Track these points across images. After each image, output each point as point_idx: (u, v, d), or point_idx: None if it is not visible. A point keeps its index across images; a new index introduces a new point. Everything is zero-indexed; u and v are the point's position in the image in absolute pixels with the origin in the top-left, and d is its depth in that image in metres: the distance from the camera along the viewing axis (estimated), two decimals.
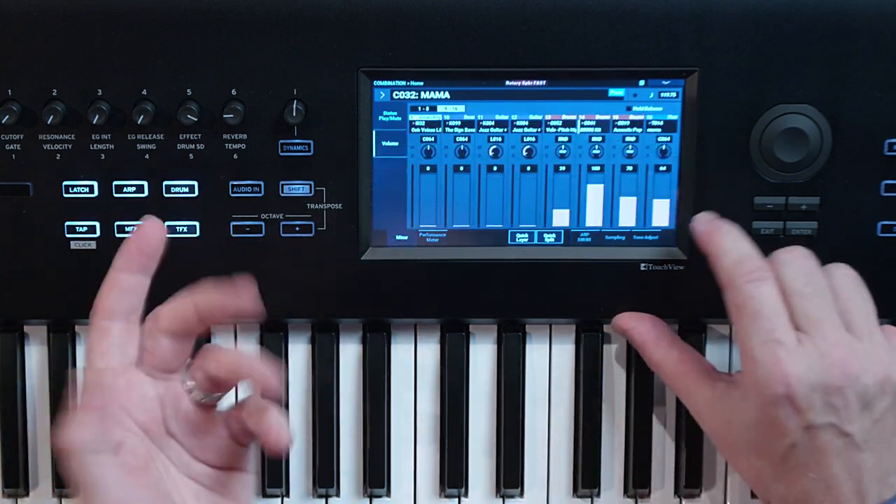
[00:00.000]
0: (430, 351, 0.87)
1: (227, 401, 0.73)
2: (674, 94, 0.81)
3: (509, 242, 0.84)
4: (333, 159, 0.81)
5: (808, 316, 0.74)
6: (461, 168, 0.82)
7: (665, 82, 0.81)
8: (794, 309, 0.74)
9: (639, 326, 0.83)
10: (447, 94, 0.81)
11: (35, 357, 0.86)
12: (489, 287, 0.83)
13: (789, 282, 0.75)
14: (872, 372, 0.73)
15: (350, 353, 0.87)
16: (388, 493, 0.88)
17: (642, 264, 0.83)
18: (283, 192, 0.81)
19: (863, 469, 0.73)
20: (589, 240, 0.84)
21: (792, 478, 0.74)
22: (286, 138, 0.80)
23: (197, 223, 0.81)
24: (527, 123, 0.82)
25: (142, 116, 0.78)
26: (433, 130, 0.82)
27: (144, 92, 0.79)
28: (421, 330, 0.87)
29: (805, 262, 0.76)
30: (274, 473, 0.86)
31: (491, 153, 0.82)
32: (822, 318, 0.74)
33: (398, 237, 0.83)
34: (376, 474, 0.87)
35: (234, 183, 0.81)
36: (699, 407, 0.79)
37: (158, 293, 0.82)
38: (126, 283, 0.71)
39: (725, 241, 0.77)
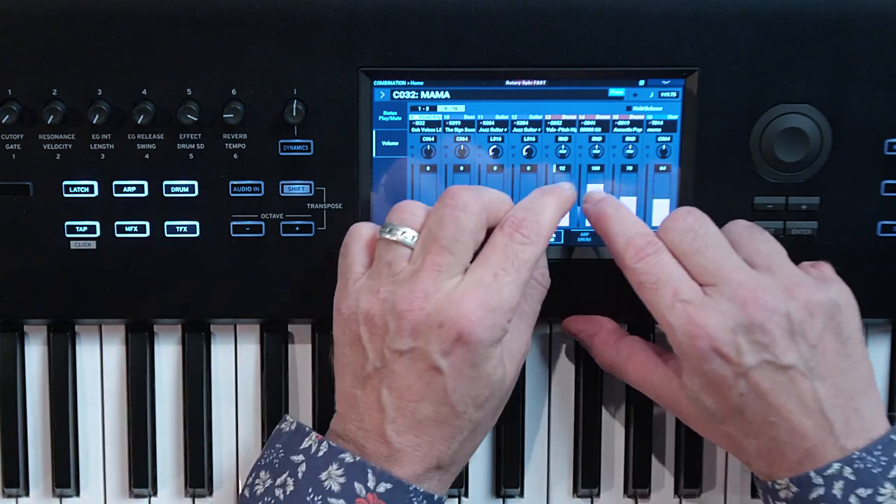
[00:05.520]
0: None
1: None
2: (674, 94, 0.81)
3: None
4: (333, 159, 0.81)
5: (706, 268, 0.74)
6: (461, 168, 0.82)
7: (665, 82, 0.81)
8: (691, 268, 0.74)
9: (587, 328, 0.83)
10: (447, 94, 0.81)
11: (35, 357, 0.86)
12: None
13: (678, 244, 0.75)
14: (791, 298, 0.73)
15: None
16: None
17: None
18: (283, 192, 0.81)
19: (819, 398, 0.72)
20: (589, 240, 0.84)
21: (756, 430, 0.73)
22: (286, 138, 0.80)
23: (197, 223, 0.81)
24: (527, 123, 0.82)
25: (142, 116, 0.78)
26: (433, 130, 0.82)
27: (144, 92, 0.79)
28: None
29: (688, 219, 0.76)
30: None
31: (491, 153, 0.82)
32: (721, 264, 0.74)
33: None
34: None
35: (234, 183, 0.81)
36: (659, 392, 0.79)
37: (158, 293, 0.82)
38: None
39: (611, 225, 0.77)
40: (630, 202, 0.83)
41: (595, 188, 0.82)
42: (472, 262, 0.73)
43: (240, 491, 0.80)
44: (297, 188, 0.81)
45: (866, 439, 0.73)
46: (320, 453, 0.72)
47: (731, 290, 0.72)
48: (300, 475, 0.71)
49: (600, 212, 0.77)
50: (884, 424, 0.74)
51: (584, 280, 0.83)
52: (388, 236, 0.74)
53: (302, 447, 0.73)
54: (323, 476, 0.71)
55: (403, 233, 0.74)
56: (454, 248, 0.72)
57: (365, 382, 0.73)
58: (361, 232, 0.77)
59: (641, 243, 0.75)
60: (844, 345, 0.74)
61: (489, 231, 0.75)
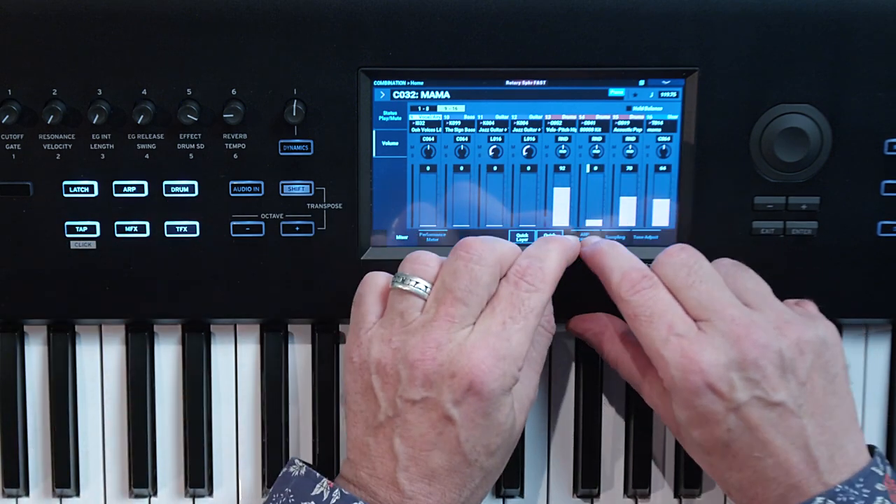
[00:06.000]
0: None
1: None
2: (674, 94, 0.81)
3: None
4: (333, 159, 0.81)
5: (701, 303, 0.74)
6: (461, 168, 0.82)
7: (665, 82, 0.81)
8: (685, 303, 0.75)
9: (593, 326, 0.83)
10: (447, 94, 0.81)
11: (35, 357, 0.86)
12: None
13: (672, 279, 0.76)
14: (782, 335, 0.73)
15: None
16: None
17: None
18: (283, 191, 0.81)
19: (806, 434, 0.73)
20: None
21: (740, 463, 0.74)
22: (286, 138, 0.80)
23: (197, 223, 0.81)
24: (527, 123, 0.82)
25: (142, 116, 0.78)
26: (433, 130, 0.82)
27: (144, 92, 0.79)
28: None
29: (682, 255, 0.76)
30: (274, 473, 0.86)
31: (491, 153, 0.82)
32: (715, 300, 0.74)
33: (398, 237, 0.83)
34: None
35: (234, 183, 0.81)
36: (653, 402, 0.79)
37: (158, 293, 0.83)
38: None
39: (607, 260, 0.78)
40: (630, 202, 0.83)
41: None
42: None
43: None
44: (297, 188, 0.81)
45: (849, 473, 0.73)
46: (333, 500, 0.73)
47: (724, 325, 0.73)
48: None
49: (596, 250, 0.78)
50: (865, 458, 0.75)
51: (584, 280, 0.83)
52: (400, 286, 0.75)
53: (314, 493, 0.74)
54: None
55: (416, 283, 0.75)
56: (468, 299, 0.73)
57: (377, 431, 0.74)
58: (376, 281, 0.77)
59: (637, 277, 0.76)
60: (832, 382, 0.75)
61: None
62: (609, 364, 0.83)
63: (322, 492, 0.73)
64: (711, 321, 0.73)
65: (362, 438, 0.75)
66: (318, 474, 0.74)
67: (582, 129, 0.82)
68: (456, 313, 0.72)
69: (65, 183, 0.80)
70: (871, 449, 0.76)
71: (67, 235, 0.81)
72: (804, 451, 0.73)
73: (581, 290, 0.82)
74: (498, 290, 0.74)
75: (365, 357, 0.74)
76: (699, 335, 0.73)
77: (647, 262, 0.82)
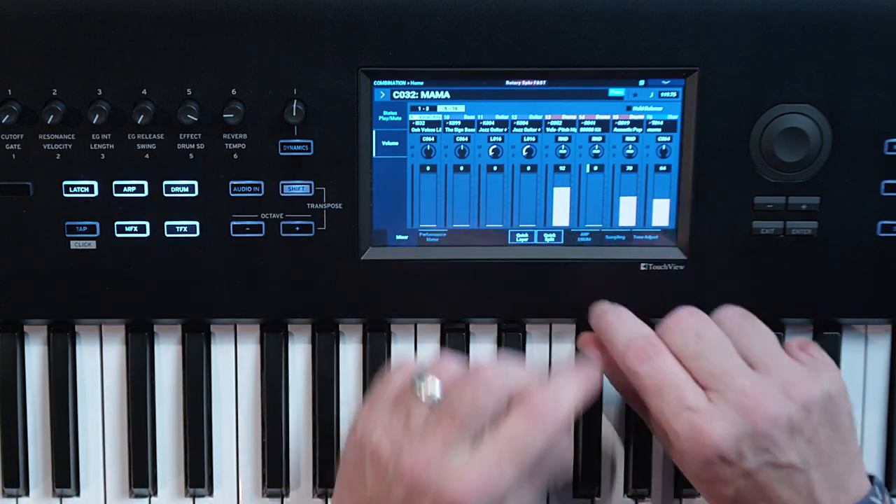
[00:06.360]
0: (430, 351, 0.87)
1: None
2: (674, 94, 0.81)
3: (509, 242, 0.84)
4: (333, 159, 0.81)
5: (711, 373, 0.74)
6: (461, 168, 0.82)
7: (665, 82, 0.81)
8: (694, 372, 0.75)
9: (602, 356, 0.82)
10: (447, 94, 0.81)
11: (35, 357, 0.86)
12: (489, 287, 0.83)
13: (681, 347, 0.76)
14: (791, 401, 0.74)
15: (350, 353, 0.87)
16: None
17: (642, 264, 0.83)
18: (283, 191, 0.81)
19: (812, 485, 0.74)
20: (589, 239, 0.84)
21: None
22: (286, 138, 0.80)
23: (197, 223, 0.81)
24: (527, 123, 0.82)
25: (142, 116, 0.78)
26: (433, 130, 0.82)
27: (144, 92, 0.79)
28: (421, 330, 0.87)
29: (690, 321, 0.77)
30: (274, 473, 0.86)
31: (491, 153, 0.82)
32: (725, 369, 0.74)
33: (398, 237, 0.83)
34: None
35: (234, 183, 0.81)
36: (658, 435, 0.80)
37: (158, 293, 0.83)
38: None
39: (611, 329, 0.78)
40: (630, 202, 0.83)
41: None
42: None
43: None
44: (297, 188, 0.81)
45: None
46: None
47: (735, 397, 0.73)
48: None
49: (601, 321, 0.79)
50: (866, 488, 0.76)
51: (584, 280, 0.83)
52: (415, 390, 0.74)
53: None
54: None
55: (431, 391, 0.73)
56: (467, 423, 0.71)
57: None
58: (406, 371, 0.76)
59: (642, 344, 0.76)
60: (837, 431, 0.75)
61: None
62: (616, 389, 0.83)
63: None
64: (721, 392, 0.74)
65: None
66: None
67: (582, 129, 0.82)
68: (453, 436, 0.71)
69: (65, 183, 0.80)
70: (871, 478, 0.76)
71: (67, 235, 0.81)
72: (809, 499, 0.74)
73: (576, 289, 0.83)
74: (506, 421, 0.72)
75: (368, 436, 0.73)
76: (709, 407, 0.73)
77: (649, 262, 0.83)
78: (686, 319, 0.77)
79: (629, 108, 0.82)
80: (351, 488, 0.74)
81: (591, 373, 0.77)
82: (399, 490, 0.71)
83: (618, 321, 0.78)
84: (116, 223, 0.81)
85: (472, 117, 0.82)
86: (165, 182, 0.81)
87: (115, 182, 0.80)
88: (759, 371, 0.75)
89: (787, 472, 0.73)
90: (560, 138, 0.82)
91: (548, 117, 0.82)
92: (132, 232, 0.81)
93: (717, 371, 0.74)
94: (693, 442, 0.73)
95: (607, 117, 0.82)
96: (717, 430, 0.72)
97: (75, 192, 0.81)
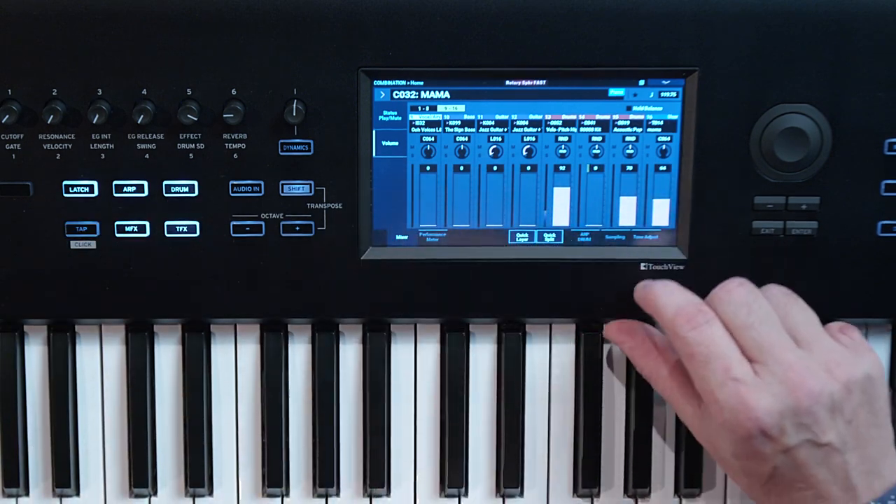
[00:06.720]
0: (430, 351, 0.87)
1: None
2: (674, 94, 0.81)
3: (509, 242, 0.84)
4: (333, 159, 0.81)
5: (759, 345, 0.75)
6: (461, 168, 0.82)
7: (665, 82, 0.81)
8: (743, 342, 0.75)
9: (628, 340, 0.83)
10: (447, 94, 0.81)
11: (35, 357, 0.86)
12: (489, 287, 0.83)
13: (731, 317, 0.76)
14: (834, 380, 0.74)
15: (350, 353, 0.87)
16: (389, 493, 0.88)
17: (642, 264, 0.83)
18: (283, 191, 0.81)
19: (848, 468, 0.74)
20: (589, 239, 0.84)
21: (780, 491, 0.75)
22: (286, 138, 0.80)
23: (197, 223, 0.81)
24: (527, 123, 0.82)
25: (142, 116, 0.78)
26: (433, 130, 0.82)
27: (144, 92, 0.79)
28: (421, 330, 0.87)
29: (741, 292, 0.77)
30: (274, 473, 0.86)
31: (491, 153, 0.82)
32: (773, 343, 0.75)
33: (398, 237, 0.83)
34: (376, 474, 0.87)
35: (234, 183, 0.81)
36: (688, 421, 0.80)
37: (158, 293, 0.83)
38: None
39: (661, 298, 0.78)
40: (630, 202, 0.83)
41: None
42: None
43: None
44: (297, 188, 0.81)
45: (882, 491, 0.74)
46: None
47: (781, 371, 0.73)
48: None
49: (648, 291, 0.79)
50: None
51: (584, 280, 0.83)
52: None
53: None
54: None
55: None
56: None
57: None
58: None
59: (692, 311, 0.76)
60: (875, 415, 0.75)
61: None
62: (643, 377, 0.83)
63: None
64: (767, 365, 0.74)
65: None
66: None
67: (582, 129, 0.82)
68: None
69: (65, 183, 0.80)
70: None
71: (67, 235, 0.81)
72: (845, 481, 0.74)
73: (577, 289, 0.83)
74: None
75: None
76: (755, 380, 0.74)
77: (649, 262, 0.83)
78: (736, 290, 0.77)
79: (629, 108, 0.82)
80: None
81: None
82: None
83: (667, 290, 0.78)
84: (116, 223, 0.81)
85: (472, 117, 0.82)
86: (165, 182, 0.81)
87: (115, 182, 0.80)
88: (803, 348, 0.75)
89: (825, 451, 0.73)
90: (560, 138, 0.82)
91: (548, 117, 0.82)
92: (132, 232, 0.81)
93: (766, 344, 0.74)
94: (736, 413, 0.73)
95: (607, 117, 0.82)
96: (763, 403, 0.72)
97: (75, 192, 0.81)
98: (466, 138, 0.82)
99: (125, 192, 0.81)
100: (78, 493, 0.87)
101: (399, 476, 0.88)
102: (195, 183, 0.81)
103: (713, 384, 0.74)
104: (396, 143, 0.82)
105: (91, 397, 0.87)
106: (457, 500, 0.88)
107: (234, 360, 0.87)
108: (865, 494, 0.74)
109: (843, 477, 0.74)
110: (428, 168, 0.82)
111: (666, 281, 0.80)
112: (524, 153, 0.82)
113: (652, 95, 0.81)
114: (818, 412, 0.73)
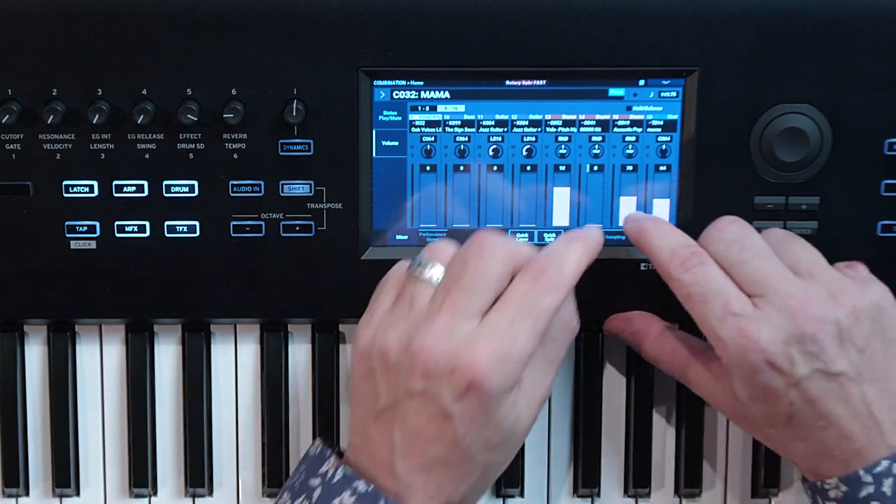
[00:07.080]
0: None
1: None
2: (674, 94, 0.81)
3: None
4: (333, 159, 0.81)
5: (755, 279, 0.73)
6: (461, 168, 0.82)
7: (665, 82, 0.81)
8: (739, 279, 0.74)
9: (629, 326, 0.83)
10: (447, 94, 0.81)
11: (35, 357, 0.86)
12: None
13: (725, 255, 0.75)
14: (837, 305, 0.73)
15: (350, 353, 0.87)
16: None
17: (642, 264, 0.83)
18: (283, 191, 0.81)
19: (868, 401, 0.72)
20: None
21: (804, 433, 0.74)
22: (286, 138, 0.80)
23: (197, 223, 0.81)
24: (527, 123, 0.82)
25: (142, 116, 0.78)
26: (433, 130, 0.82)
27: (144, 92, 0.79)
28: None
29: (733, 229, 0.76)
30: (274, 473, 0.86)
31: (491, 153, 0.82)
32: (769, 275, 0.73)
33: (398, 237, 0.83)
34: None
35: (234, 183, 0.81)
36: (705, 390, 0.79)
37: (158, 293, 0.83)
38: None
39: (654, 241, 0.77)
40: (630, 202, 0.83)
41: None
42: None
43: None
44: (297, 188, 0.81)
45: None
46: (335, 479, 0.72)
47: (780, 300, 0.72)
48: (314, 500, 0.72)
49: (641, 228, 0.77)
50: None
51: (584, 280, 0.83)
52: (415, 273, 0.73)
53: (320, 471, 0.73)
54: (335, 502, 0.71)
55: (432, 268, 0.73)
56: (473, 290, 0.70)
57: (377, 418, 0.72)
58: (400, 269, 0.76)
59: (686, 254, 0.75)
60: (890, 346, 0.74)
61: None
62: (650, 361, 0.83)
63: (327, 470, 0.73)
64: (767, 296, 0.73)
65: (363, 423, 0.74)
66: (329, 452, 0.74)
67: (582, 129, 0.82)
68: (460, 304, 0.70)
69: (65, 183, 0.80)
70: None
71: (67, 235, 0.81)
72: (867, 417, 0.72)
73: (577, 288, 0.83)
74: (512, 286, 0.71)
75: (370, 341, 0.73)
76: (755, 312, 0.72)
77: (649, 262, 0.82)
78: (728, 227, 0.76)
79: (629, 108, 0.82)
80: (367, 406, 0.73)
81: (594, 232, 0.76)
82: (414, 383, 0.70)
83: (659, 232, 0.77)
84: (116, 223, 0.81)
85: (472, 117, 0.82)
86: (165, 182, 0.81)
87: (115, 182, 0.81)
88: (805, 279, 0.74)
89: (839, 382, 0.72)
90: (560, 138, 0.82)
91: (548, 117, 0.82)
92: (132, 232, 0.81)
93: (762, 277, 0.73)
94: (740, 349, 0.72)
95: (607, 117, 0.82)
96: (765, 334, 0.71)
97: (75, 192, 0.81)
98: (466, 138, 0.82)
99: (125, 192, 0.81)
100: (78, 493, 0.88)
101: None
102: (195, 183, 0.81)
103: (713, 321, 0.73)
104: (396, 143, 0.82)
105: (91, 397, 0.87)
106: None
107: (234, 360, 0.87)
108: (892, 431, 0.72)
109: (864, 412, 0.72)
110: (428, 168, 0.82)
111: (657, 218, 0.79)
112: (524, 153, 0.82)
113: (652, 95, 0.81)
114: (824, 340, 0.71)
